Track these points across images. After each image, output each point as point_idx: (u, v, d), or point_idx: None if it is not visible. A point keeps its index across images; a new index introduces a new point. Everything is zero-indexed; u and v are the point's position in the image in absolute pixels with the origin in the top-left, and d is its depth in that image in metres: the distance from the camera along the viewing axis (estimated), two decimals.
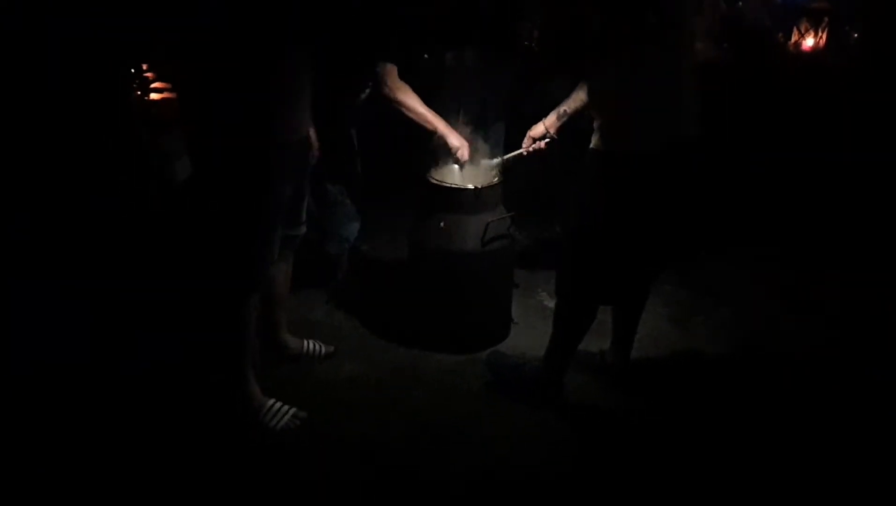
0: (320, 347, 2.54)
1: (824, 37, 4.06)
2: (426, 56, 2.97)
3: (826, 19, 4.04)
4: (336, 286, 2.93)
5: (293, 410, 2.20)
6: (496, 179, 2.51)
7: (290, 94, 1.94)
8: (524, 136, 2.82)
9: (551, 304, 2.96)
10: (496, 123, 3.30)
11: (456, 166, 2.58)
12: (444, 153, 2.57)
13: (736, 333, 2.81)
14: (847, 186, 3.57)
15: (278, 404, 2.20)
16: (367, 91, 2.59)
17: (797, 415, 2.32)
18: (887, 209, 3.38)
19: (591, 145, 2.04)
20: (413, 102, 2.44)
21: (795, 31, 4.06)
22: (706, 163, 2.14)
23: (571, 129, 3.23)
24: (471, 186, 2.45)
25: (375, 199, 3.05)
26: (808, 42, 4.05)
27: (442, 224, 2.44)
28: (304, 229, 2.23)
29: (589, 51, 1.89)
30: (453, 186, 2.46)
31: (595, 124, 2.03)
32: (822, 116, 3.71)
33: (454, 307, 2.52)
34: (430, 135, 2.48)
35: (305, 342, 2.52)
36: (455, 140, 2.48)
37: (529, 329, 2.76)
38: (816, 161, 3.63)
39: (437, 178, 2.50)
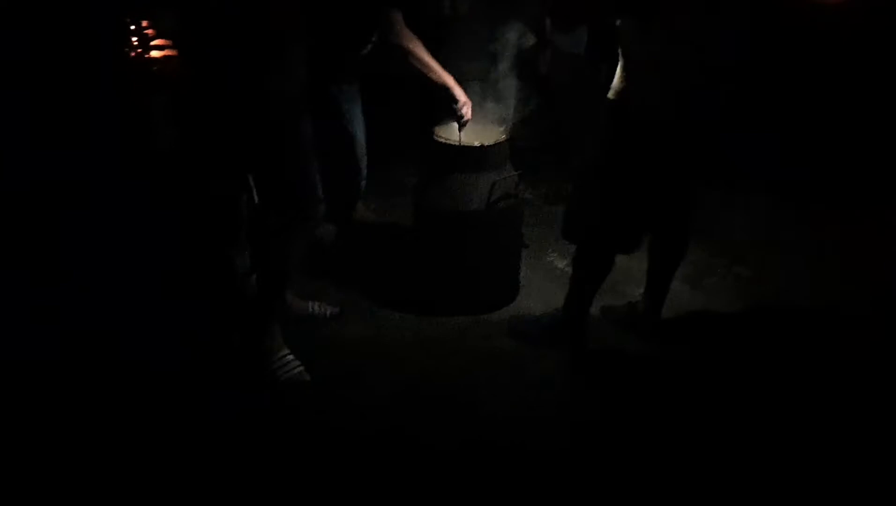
0: (325, 308, 2.52)
1: None
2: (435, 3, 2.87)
3: None
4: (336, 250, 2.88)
5: (301, 368, 2.20)
6: (503, 136, 2.43)
7: (285, 42, 1.88)
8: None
9: (562, 265, 2.94)
10: (506, 80, 3.20)
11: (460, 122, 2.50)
12: (450, 109, 2.49)
13: (751, 294, 2.74)
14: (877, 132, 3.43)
15: (291, 357, 2.21)
16: (372, 43, 2.50)
17: (814, 382, 2.26)
18: None
19: (611, 96, 1.96)
20: (421, 52, 2.34)
21: None
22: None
23: (583, 84, 3.15)
24: (476, 144, 2.38)
25: (381, 155, 2.99)
26: None
27: (446, 184, 2.38)
28: (322, 209, 2.19)
29: None
30: (458, 143, 2.39)
31: (618, 75, 1.94)
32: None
33: (459, 268, 2.48)
34: (437, 88, 2.39)
35: (311, 304, 2.50)
36: (460, 95, 2.39)
37: (538, 291, 2.71)
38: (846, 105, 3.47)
39: (442, 135, 2.43)
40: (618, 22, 1.91)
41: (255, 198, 2.00)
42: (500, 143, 2.41)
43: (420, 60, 2.34)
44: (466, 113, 2.40)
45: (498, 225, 2.43)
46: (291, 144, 1.96)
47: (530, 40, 3.20)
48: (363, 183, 2.78)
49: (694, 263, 2.94)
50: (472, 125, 2.51)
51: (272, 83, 1.86)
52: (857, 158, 3.42)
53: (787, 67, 3.46)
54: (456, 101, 2.37)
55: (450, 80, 2.37)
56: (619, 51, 1.94)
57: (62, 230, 2.75)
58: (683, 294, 2.72)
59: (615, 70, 1.99)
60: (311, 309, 2.49)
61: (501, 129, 2.49)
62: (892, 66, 3.45)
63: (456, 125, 2.51)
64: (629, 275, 2.64)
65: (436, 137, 2.41)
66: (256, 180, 1.98)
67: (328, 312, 2.52)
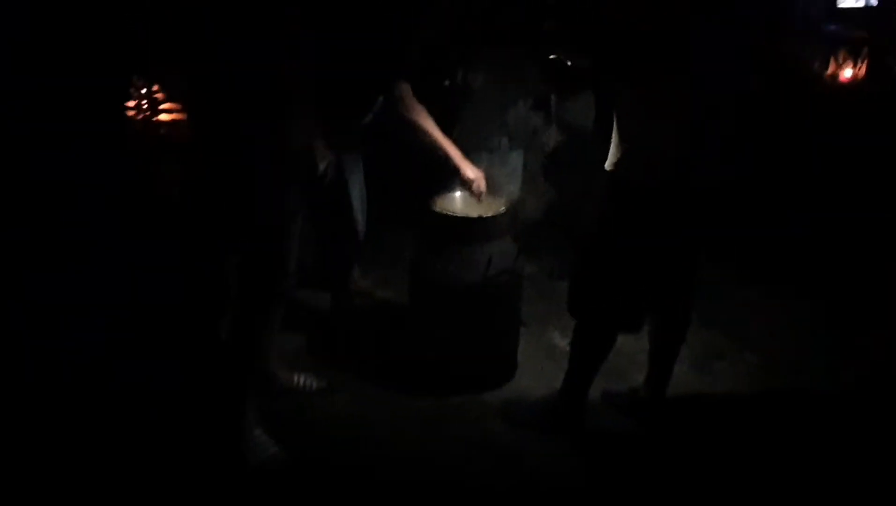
0: (312, 381, 2.41)
1: (864, 67, 3.85)
2: (446, 79, 2.89)
3: (866, 49, 3.84)
4: (330, 319, 2.80)
5: (276, 449, 2.07)
6: (502, 208, 2.38)
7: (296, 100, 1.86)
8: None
9: (563, 343, 2.82)
10: (514, 152, 3.19)
11: (458, 194, 2.46)
12: (454, 182, 2.46)
13: (762, 383, 2.60)
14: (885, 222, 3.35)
15: (264, 438, 2.08)
16: (372, 113, 2.50)
17: (831, 479, 2.10)
18: None
19: (608, 168, 1.91)
20: (429, 126, 2.34)
21: (833, 62, 3.86)
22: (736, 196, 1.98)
23: (589, 158, 3.12)
24: (474, 216, 2.32)
25: (383, 224, 2.95)
26: (847, 73, 3.85)
27: (443, 256, 2.31)
28: (292, 284, 2.10)
29: (646, 59, 1.73)
30: (456, 214, 2.33)
31: (615, 145, 1.89)
32: (860, 149, 3.51)
33: (454, 344, 2.37)
34: (443, 162, 2.36)
35: (297, 375, 2.39)
36: (470, 172, 2.35)
37: (536, 370, 2.59)
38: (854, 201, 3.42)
39: (440, 205, 2.38)
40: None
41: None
42: (499, 214, 2.35)
43: (427, 134, 2.33)
44: (480, 186, 2.36)
45: (494, 300, 2.34)
46: (280, 211, 1.91)
47: (539, 116, 3.22)
48: (358, 253, 2.73)
49: (703, 345, 2.82)
50: (472, 197, 2.47)
51: (274, 144, 1.83)
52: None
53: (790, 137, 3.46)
54: (466, 177, 2.34)
55: (457, 156, 2.35)
56: (616, 120, 1.91)
57: (54, 287, 2.69)
58: (690, 379, 2.59)
59: None
60: (297, 381, 2.38)
61: (502, 200, 2.43)
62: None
63: (456, 195, 2.48)
64: (632, 359, 2.53)
65: (433, 208, 2.36)
66: (241, 248, 1.91)
67: (315, 386, 2.40)
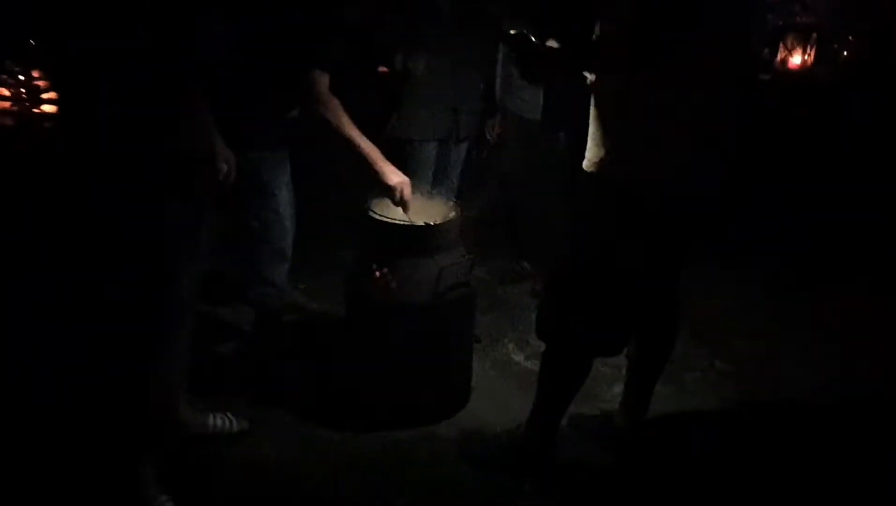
0: (231, 421, 2.01)
1: (812, 53, 3.74)
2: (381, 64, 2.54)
3: (814, 35, 3.72)
4: (252, 342, 2.40)
5: None
6: (453, 213, 2.05)
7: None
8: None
9: (519, 358, 2.53)
10: (460, 143, 2.87)
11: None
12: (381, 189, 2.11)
13: (734, 393, 2.38)
14: (844, 209, 3.24)
15: (169, 504, 1.69)
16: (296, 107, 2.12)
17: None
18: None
19: (588, 168, 1.61)
20: (344, 124, 1.98)
21: (782, 48, 3.73)
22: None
23: (538, 154, 2.85)
24: (421, 223, 1.98)
25: (317, 227, 2.56)
26: (796, 59, 3.73)
27: (383, 270, 1.96)
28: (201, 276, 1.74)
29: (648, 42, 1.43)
30: (400, 221, 1.99)
31: (596, 142, 1.59)
32: (812, 135, 3.39)
33: (401, 372, 2.03)
34: (365, 165, 2.01)
35: (211, 417, 1.99)
36: (393, 176, 2.01)
37: (493, 392, 2.29)
38: (808, 186, 3.29)
39: (380, 211, 2.03)
40: (589, 78, 1.58)
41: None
42: (450, 221, 2.02)
43: (343, 133, 1.98)
44: (403, 194, 2.01)
45: (447, 319, 2.01)
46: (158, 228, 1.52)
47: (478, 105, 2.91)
48: (286, 264, 2.35)
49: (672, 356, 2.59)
50: (419, 198, 2.14)
51: (153, 151, 1.43)
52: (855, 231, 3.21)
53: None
54: (386, 183, 2.00)
55: (377, 159, 2.00)
56: (596, 113, 1.60)
57: None
58: (659, 394, 2.33)
59: (574, 139, 1.65)
60: (211, 424, 1.98)
61: (451, 203, 2.11)
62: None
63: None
64: (597, 374, 2.25)
65: (371, 214, 2.01)
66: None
67: (234, 428, 2.01)
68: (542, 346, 1.83)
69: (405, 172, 2.73)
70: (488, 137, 3.02)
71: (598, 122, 1.59)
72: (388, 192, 2.02)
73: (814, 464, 2.02)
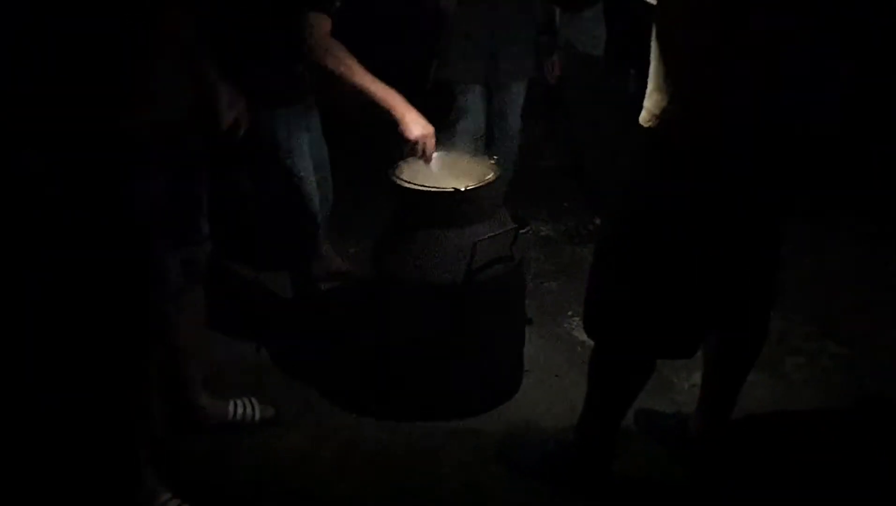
0: (254, 408, 1.85)
1: None
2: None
3: None
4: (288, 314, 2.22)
5: None
6: (490, 175, 1.72)
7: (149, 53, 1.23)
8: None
9: (584, 336, 2.19)
10: (514, 84, 2.50)
11: (436, 154, 1.81)
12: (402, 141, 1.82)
13: (851, 385, 1.94)
14: None
15: (174, 502, 1.56)
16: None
17: None
18: None
19: (646, 122, 1.24)
20: (353, 70, 1.68)
21: None
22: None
23: (604, 95, 2.41)
24: (450, 189, 1.67)
25: (364, 192, 2.32)
26: None
27: (411, 243, 1.68)
28: (207, 247, 1.55)
29: None
30: (423, 187, 1.68)
31: (658, 87, 1.21)
32: None
33: (432, 357, 1.77)
34: (383, 116, 1.71)
35: (233, 404, 1.84)
36: (414, 127, 1.69)
37: (550, 379, 1.99)
38: None
39: (405, 176, 1.73)
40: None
41: None
42: (485, 184, 1.69)
43: (348, 80, 1.68)
44: (426, 148, 1.70)
45: (484, 300, 1.71)
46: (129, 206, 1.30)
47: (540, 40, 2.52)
48: (316, 228, 2.13)
49: (771, 336, 2.15)
50: (456, 157, 1.83)
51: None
52: None
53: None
54: (407, 136, 1.69)
55: (399, 106, 1.70)
56: (657, 52, 1.21)
57: None
58: (758, 387, 1.94)
59: (646, 77, 1.26)
60: (232, 412, 1.83)
61: (491, 162, 1.77)
62: None
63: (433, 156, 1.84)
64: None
65: (395, 179, 1.72)
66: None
67: (258, 416, 1.85)
68: None
69: (454, 119, 2.44)
70: (548, 76, 2.62)
71: (660, 61, 1.19)
72: (409, 146, 1.72)
73: None
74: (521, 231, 2.73)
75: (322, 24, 1.64)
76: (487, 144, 2.70)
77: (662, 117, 1.19)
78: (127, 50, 1.21)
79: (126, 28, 1.20)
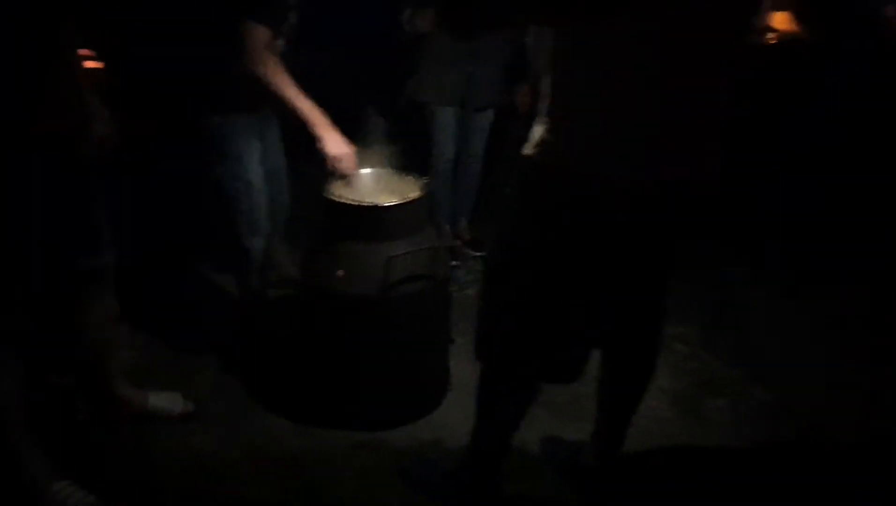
0: (174, 403, 1.90)
1: None
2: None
3: None
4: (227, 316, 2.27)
5: (90, 498, 1.58)
6: (412, 194, 1.77)
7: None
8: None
9: None
10: (485, 109, 2.58)
11: (369, 171, 1.87)
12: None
13: (776, 430, 1.94)
14: None
15: (69, 489, 1.59)
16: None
17: None
18: None
19: (527, 151, 1.28)
20: (279, 83, 1.74)
21: None
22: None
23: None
24: (370, 203, 1.72)
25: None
26: None
27: (333, 255, 1.73)
28: (108, 259, 1.61)
29: None
30: (344, 201, 1.74)
31: (542, 119, 1.26)
32: None
33: (347, 368, 1.81)
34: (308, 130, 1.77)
35: (152, 397, 1.89)
36: (332, 146, 1.75)
37: (469, 400, 2.00)
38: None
39: (337, 189, 1.79)
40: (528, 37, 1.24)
41: None
42: (406, 202, 1.74)
43: (276, 93, 1.74)
44: (342, 168, 1.76)
45: (399, 315, 1.75)
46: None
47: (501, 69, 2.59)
48: (259, 237, 2.18)
49: (694, 375, 2.17)
50: (390, 174, 1.89)
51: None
52: None
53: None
54: (325, 153, 1.75)
55: (320, 125, 1.76)
56: (546, 85, 1.25)
57: None
58: (672, 425, 1.96)
59: None
60: (151, 404, 1.88)
61: (422, 182, 1.83)
62: None
63: (366, 172, 1.90)
64: (591, 388, 1.89)
65: (322, 191, 1.77)
66: None
67: (177, 410, 1.90)
68: None
69: (428, 138, 2.51)
70: (519, 105, 2.68)
71: (550, 92, 1.24)
72: (328, 162, 1.78)
73: None
74: (477, 254, 2.83)
75: (259, 35, 1.70)
76: (454, 166, 2.77)
77: (540, 147, 1.24)
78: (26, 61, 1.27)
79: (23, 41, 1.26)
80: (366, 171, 1.90)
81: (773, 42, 2.96)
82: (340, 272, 1.71)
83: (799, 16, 2.96)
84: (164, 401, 1.90)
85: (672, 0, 1.08)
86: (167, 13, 1.90)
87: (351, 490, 1.68)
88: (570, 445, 1.74)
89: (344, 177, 1.78)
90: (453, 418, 1.95)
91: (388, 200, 1.74)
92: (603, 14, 1.08)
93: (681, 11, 1.08)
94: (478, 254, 2.80)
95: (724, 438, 1.91)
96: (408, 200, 1.74)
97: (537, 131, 1.25)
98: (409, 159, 2.03)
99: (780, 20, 2.99)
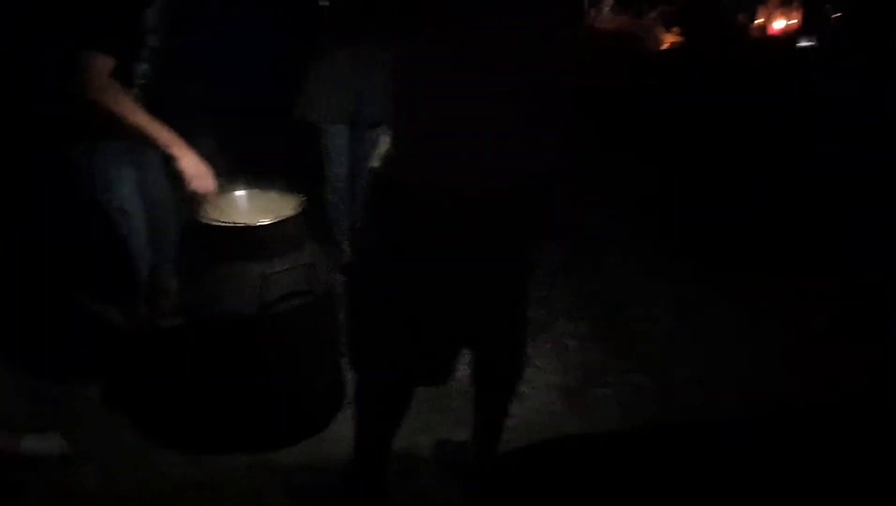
0: (54, 445, 1.82)
1: (798, 16, 3.29)
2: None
3: None
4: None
5: None
6: (286, 213, 1.78)
7: None
8: None
9: None
10: (377, 127, 2.62)
11: (243, 192, 1.88)
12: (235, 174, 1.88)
13: (654, 415, 2.04)
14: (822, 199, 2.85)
15: None
16: None
17: None
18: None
19: (373, 164, 1.33)
20: (128, 108, 1.72)
21: (762, 10, 3.30)
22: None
23: None
24: (242, 224, 1.73)
25: None
26: (778, 24, 3.29)
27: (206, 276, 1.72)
28: None
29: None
30: (215, 222, 1.73)
31: (388, 137, 1.32)
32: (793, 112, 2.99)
33: (232, 390, 1.80)
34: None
35: (28, 439, 1.80)
36: (190, 165, 1.75)
37: None
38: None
39: (212, 210, 1.78)
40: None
41: None
42: (283, 221, 1.75)
43: (128, 120, 1.71)
44: (199, 186, 1.75)
45: (279, 334, 1.76)
46: None
47: None
48: (142, 266, 2.13)
49: (583, 367, 2.28)
50: (267, 193, 1.90)
51: None
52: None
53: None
54: (178, 172, 1.75)
55: (171, 144, 1.74)
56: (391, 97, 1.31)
57: None
58: (556, 413, 2.04)
59: None
60: (25, 447, 1.79)
61: (300, 200, 1.84)
62: None
63: (240, 193, 1.90)
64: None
65: (193, 213, 1.76)
66: None
67: (56, 451, 1.82)
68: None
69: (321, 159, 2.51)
70: None
71: (392, 104, 1.30)
72: (184, 182, 1.76)
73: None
74: None
75: (99, 63, 1.67)
76: (350, 183, 2.79)
77: (384, 159, 1.29)
78: None
79: None
80: (243, 192, 1.90)
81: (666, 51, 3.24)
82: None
83: (683, 29, 3.25)
84: (40, 443, 1.82)
85: (466, 12, 1.15)
86: (21, 37, 1.85)
87: None
88: (458, 445, 1.79)
89: (203, 196, 1.76)
90: (348, 431, 1.94)
91: (264, 220, 1.74)
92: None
93: (477, 24, 1.16)
94: None
95: (607, 425, 2.01)
96: (283, 218, 1.75)
97: (384, 145, 1.30)
98: (303, 179, 2.04)
99: (670, 36, 3.28)
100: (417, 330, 1.35)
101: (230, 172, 1.90)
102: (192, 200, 1.75)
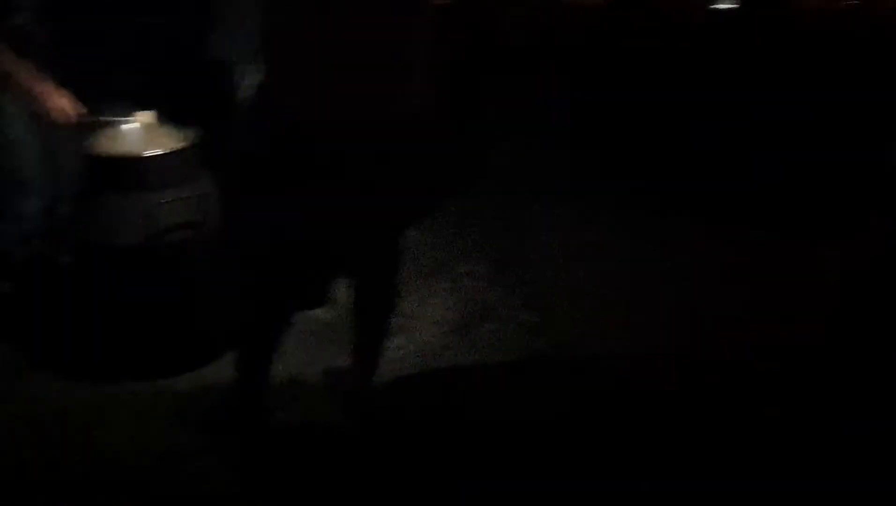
0: None
1: None
2: None
3: None
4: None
5: None
6: (175, 146, 1.80)
7: None
8: None
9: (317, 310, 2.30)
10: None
11: (136, 125, 1.88)
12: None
13: (533, 350, 2.16)
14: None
15: None
16: None
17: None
18: None
19: (243, 95, 1.39)
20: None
21: None
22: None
23: None
24: (129, 154, 1.75)
25: None
26: None
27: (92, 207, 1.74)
28: None
29: None
30: (100, 153, 1.75)
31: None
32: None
33: (123, 321, 1.85)
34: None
35: None
36: (50, 96, 1.75)
37: None
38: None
39: (103, 140, 1.79)
40: None
41: None
42: (171, 152, 1.78)
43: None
44: (65, 118, 1.77)
45: (172, 262, 1.81)
46: None
47: None
48: (31, 197, 2.11)
49: (472, 304, 2.40)
50: (159, 126, 1.90)
51: None
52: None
53: None
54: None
55: (34, 82, 1.76)
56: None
57: None
58: (442, 346, 2.16)
59: None
60: None
61: (188, 134, 1.85)
62: None
63: (133, 126, 1.90)
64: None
65: (82, 146, 1.77)
66: None
67: None
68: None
69: None
70: None
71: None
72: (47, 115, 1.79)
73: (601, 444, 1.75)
74: None
75: None
76: None
77: (257, 89, 1.35)
78: None
79: None
80: (133, 124, 1.90)
81: None
82: None
83: None
84: None
85: None
86: None
87: (125, 433, 1.73)
88: (341, 370, 1.89)
89: (66, 122, 1.77)
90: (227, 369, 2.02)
91: (152, 151, 1.76)
92: None
93: None
94: None
95: (490, 357, 2.14)
96: (170, 150, 1.78)
97: (255, 78, 1.36)
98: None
99: None
100: (297, 254, 1.43)
101: (129, 103, 1.90)
102: (83, 131, 1.76)
